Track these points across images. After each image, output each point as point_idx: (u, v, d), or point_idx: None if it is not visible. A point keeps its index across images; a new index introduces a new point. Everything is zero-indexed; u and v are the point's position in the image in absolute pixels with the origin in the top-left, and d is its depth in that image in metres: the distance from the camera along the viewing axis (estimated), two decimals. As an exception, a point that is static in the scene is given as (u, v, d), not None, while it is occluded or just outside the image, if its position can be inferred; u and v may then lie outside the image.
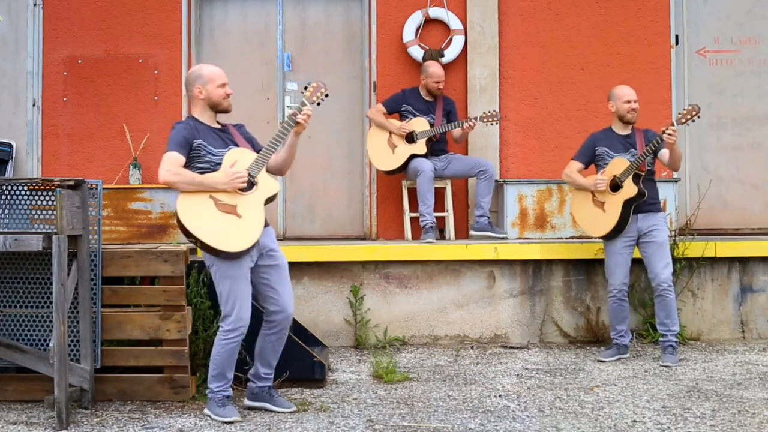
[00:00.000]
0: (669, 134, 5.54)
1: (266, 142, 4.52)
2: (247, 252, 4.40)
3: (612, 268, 5.89)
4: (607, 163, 5.87)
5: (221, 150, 4.47)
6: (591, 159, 5.99)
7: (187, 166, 4.43)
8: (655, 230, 5.77)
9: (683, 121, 5.66)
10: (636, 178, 5.72)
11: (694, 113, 5.63)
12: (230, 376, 4.51)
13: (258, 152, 4.51)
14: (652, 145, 5.68)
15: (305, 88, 4.68)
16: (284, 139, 4.54)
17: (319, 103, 4.68)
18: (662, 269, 5.74)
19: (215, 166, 4.43)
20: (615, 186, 5.79)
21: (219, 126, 4.59)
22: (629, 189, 5.71)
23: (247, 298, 4.45)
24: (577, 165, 5.99)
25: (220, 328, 4.46)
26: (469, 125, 6.84)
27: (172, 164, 4.36)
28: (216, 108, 4.55)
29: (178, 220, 4.37)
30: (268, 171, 4.65)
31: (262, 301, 4.62)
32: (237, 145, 4.54)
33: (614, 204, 5.76)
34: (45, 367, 4.57)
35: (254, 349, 4.68)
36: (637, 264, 6.04)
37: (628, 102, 5.83)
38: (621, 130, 5.91)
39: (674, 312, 5.77)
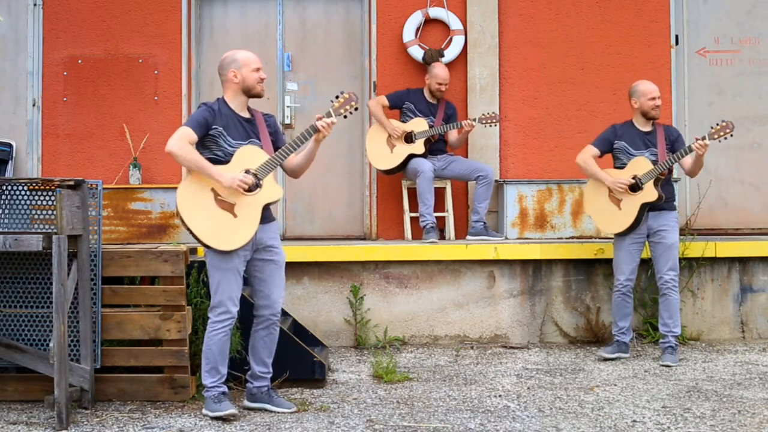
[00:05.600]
0: (700, 146, 5.51)
1: (283, 147, 4.53)
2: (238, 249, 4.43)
3: (618, 263, 5.90)
4: (624, 161, 5.83)
5: (240, 142, 4.47)
6: (608, 149, 5.94)
7: (201, 149, 4.43)
8: (664, 231, 5.76)
9: (716, 137, 5.62)
10: (656, 182, 5.71)
11: (728, 131, 5.59)
12: (224, 371, 4.51)
13: (276, 150, 4.54)
14: (680, 153, 5.66)
15: (336, 97, 4.66)
16: (300, 147, 4.55)
17: (346, 116, 4.68)
18: (667, 270, 5.75)
19: (227, 157, 4.44)
20: (634, 186, 5.77)
21: (247, 115, 4.57)
22: (650, 193, 5.68)
23: (235, 291, 4.47)
24: (594, 151, 5.92)
25: (209, 319, 4.50)
26: (468, 123, 6.83)
27: (182, 138, 4.35)
28: (249, 92, 4.53)
29: (176, 206, 4.39)
30: (284, 170, 4.68)
31: (253, 294, 4.65)
32: (259, 138, 4.54)
33: (632, 204, 5.73)
34: (45, 367, 4.57)
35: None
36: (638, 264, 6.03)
37: (653, 99, 5.78)
38: (642, 126, 5.86)
39: (677, 313, 5.77)
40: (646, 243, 5.87)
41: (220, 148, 4.45)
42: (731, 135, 5.64)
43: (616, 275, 5.91)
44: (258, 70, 4.52)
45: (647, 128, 5.85)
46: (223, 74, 4.55)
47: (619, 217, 5.80)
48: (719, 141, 5.69)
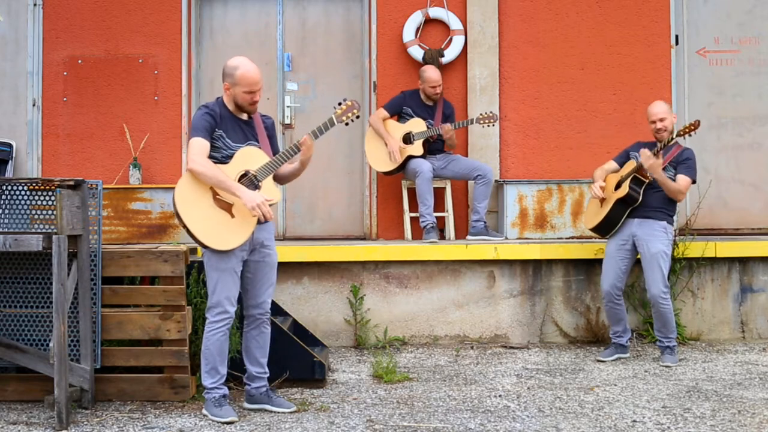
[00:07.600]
0: (644, 156, 5.59)
1: (280, 153, 4.54)
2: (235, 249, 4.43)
3: (605, 270, 5.88)
4: None
5: (238, 144, 4.48)
6: (626, 160, 5.98)
7: None
8: (648, 240, 5.71)
9: (682, 134, 5.71)
10: (635, 182, 5.71)
11: (692, 128, 5.65)
12: (223, 372, 4.51)
13: (274, 154, 4.56)
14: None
15: (339, 104, 4.70)
16: (297, 154, 4.57)
17: (347, 124, 4.74)
18: (653, 282, 5.68)
19: (226, 159, 4.44)
20: (619, 185, 5.81)
21: (245, 117, 4.57)
22: (623, 189, 5.74)
23: (233, 291, 4.47)
24: (613, 165, 5.99)
25: (207, 319, 4.49)
26: (447, 129, 6.81)
27: (200, 153, 4.35)
28: (239, 109, 4.54)
29: (174, 203, 4.39)
30: (274, 177, 4.68)
31: (243, 294, 4.64)
32: (257, 140, 4.55)
33: (609, 201, 5.82)
34: (45, 367, 4.57)
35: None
36: (637, 264, 6.02)
37: (653, 122, 5.79)
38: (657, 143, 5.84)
39: (670, 322, 5.71)
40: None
41: (218, 151, 4.45)
42: (695, 131, 5.66)
43: (602, 284, 5.90)
44: (251, 93, 4.46)
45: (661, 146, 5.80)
46: (222, 79, 4.56)
47: (597, 214, 5.91)
48: (684, 138, 5.80)
